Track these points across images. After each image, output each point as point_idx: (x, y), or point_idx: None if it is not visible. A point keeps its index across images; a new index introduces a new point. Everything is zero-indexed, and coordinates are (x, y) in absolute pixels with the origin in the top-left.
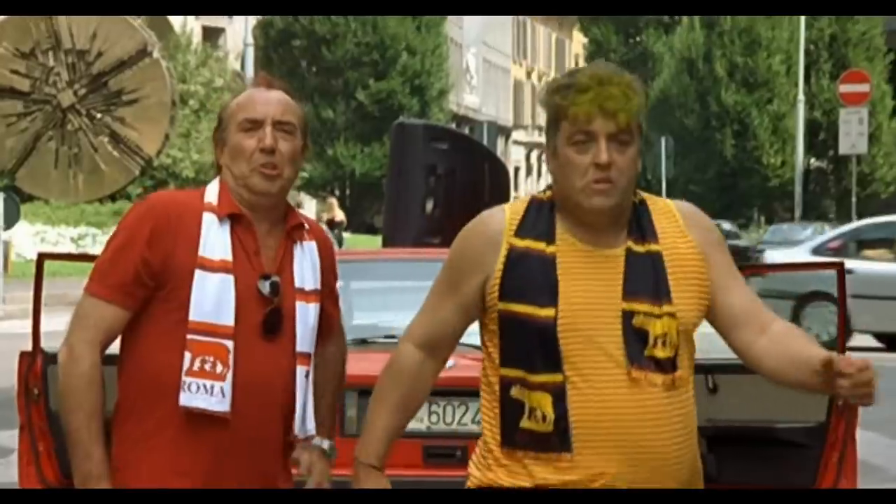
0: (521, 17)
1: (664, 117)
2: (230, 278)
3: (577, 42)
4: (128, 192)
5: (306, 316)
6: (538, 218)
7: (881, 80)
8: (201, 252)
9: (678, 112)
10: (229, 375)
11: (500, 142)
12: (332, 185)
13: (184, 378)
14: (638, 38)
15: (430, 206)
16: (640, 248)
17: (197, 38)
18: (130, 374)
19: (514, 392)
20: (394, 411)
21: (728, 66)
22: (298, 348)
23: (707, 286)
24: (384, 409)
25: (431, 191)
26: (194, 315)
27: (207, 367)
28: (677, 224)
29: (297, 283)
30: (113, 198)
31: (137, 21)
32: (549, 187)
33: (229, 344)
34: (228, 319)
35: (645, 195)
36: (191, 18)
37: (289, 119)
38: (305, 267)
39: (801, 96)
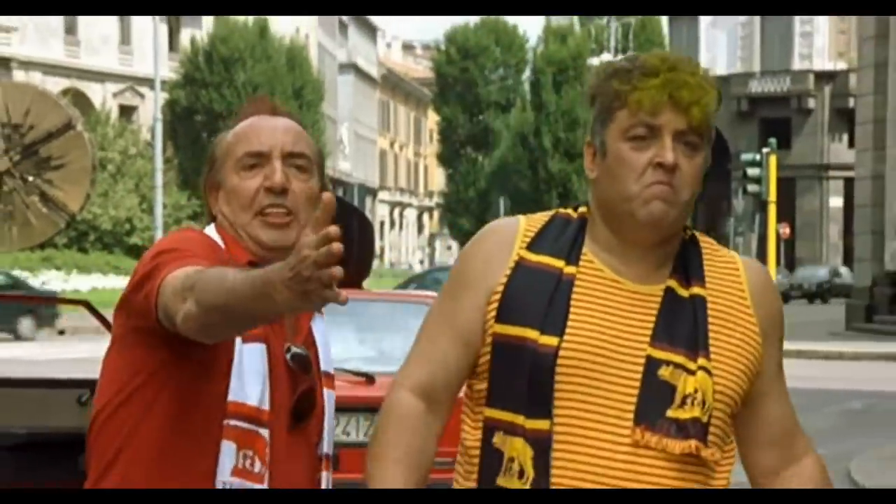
0: (384, 98)
1: (503, 182)
2: (263, 348)
3: (431, 119)
4: (54, 242)
5: (331, 408)
6: (562, 233)
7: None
8: None
9: (514, 177)
10: (267, 477)
11: (368, 200)
12: None
13: (229, 479)
14: (480, 117)
15: None
16: (683, 292)
17: (114, 113)
18: (138, 456)
19: (497, 440)
20: (408, 470)
21: (553, 140)
22: (326, 449)
23: (755, 365)
24: (398, 468)
25: None
26: (235, 394)
27: (248, 464)
28: (737, 281)
29: (323, 366)
30: (42, 246)
31: (63, 100)
32: (577, 206)
33: (266, 434)
34: (265, 401)
35: (701, 236)
36: (109, 97)
37: (302, 150)
38: (326, 344)
39: None
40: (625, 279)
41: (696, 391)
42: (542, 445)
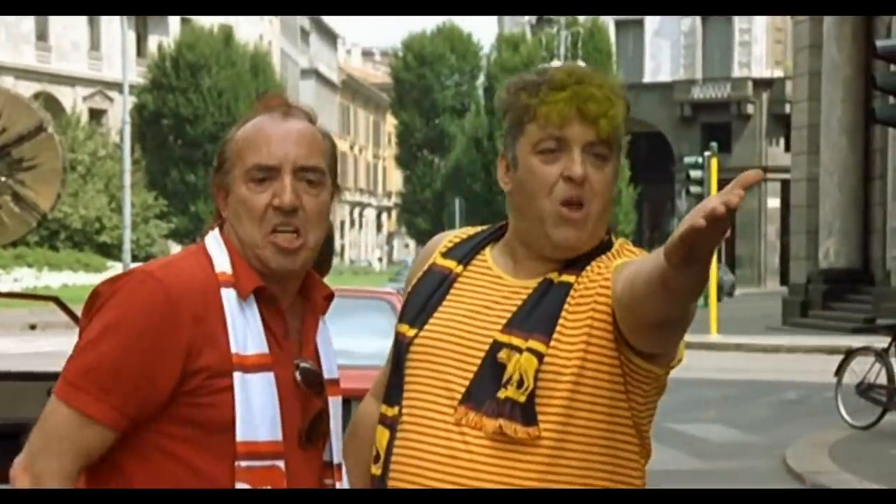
0: (344, 102)
1: (458, 183)
2: (271, 377)
3: (390, 123)
4: (26, 240)
5: (338, 415)
6: (473, 240)
7: (621, 156)
8: (234, 347)
9: (468, 179)
10: None
11: None
12: (193, 235)
13: None
14: (437, 121)
15: None
16: (556, 280)
17: (84, 117)
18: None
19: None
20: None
21: None
22: (335, 458)
23: (604, 330)
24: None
25: None
26: (243, 435)
27: None
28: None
29: (326, 374)
30: (14, 244)
31: (35, 104)
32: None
33: (281, 465)
34: (277, 433)
35: (624, 245)
36: (79, 101)
37: (315, 164)
38: (328, 348)
39: None
40: (508, 276)
41: (516, 372)
42: (392, 430)
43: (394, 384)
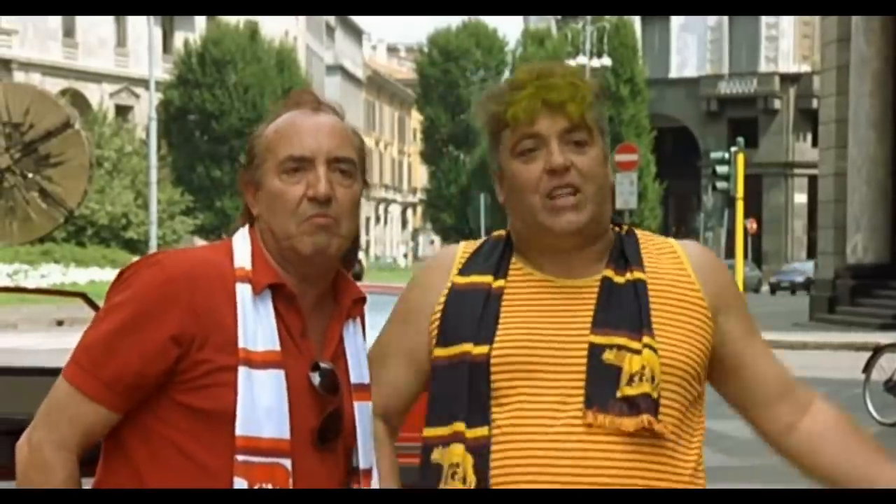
0: (369, 98)
1: (483, 179)
2: (281, 374)
3: (415, 118)
4: (53, 236)
5: (366, 420)
6: (490, 253)
7: (647, 151)
8: (242, 342)
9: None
10: None
11: None
12: (219, 231)
13: None
14: (462, 117)
15: None
16: (620, 279)
17: (111, 113)
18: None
19: (435, 456)
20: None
21: None
22: (362, 464)
23: (706, 338)
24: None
25: None
26: (243, 429)
27: None
28: (678, 262)
29: (354, 378)
30: (42, 240)
31: (62, 100)
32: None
33: (287, 463)
34: (284, 431)
35: (637, 230)
36: (106, 97)
37: (347, 155)
38: (359, 352)
39: None
40: (557, 277)
41: (643, 368)
42: (480, 451)
43: (474, 405)
